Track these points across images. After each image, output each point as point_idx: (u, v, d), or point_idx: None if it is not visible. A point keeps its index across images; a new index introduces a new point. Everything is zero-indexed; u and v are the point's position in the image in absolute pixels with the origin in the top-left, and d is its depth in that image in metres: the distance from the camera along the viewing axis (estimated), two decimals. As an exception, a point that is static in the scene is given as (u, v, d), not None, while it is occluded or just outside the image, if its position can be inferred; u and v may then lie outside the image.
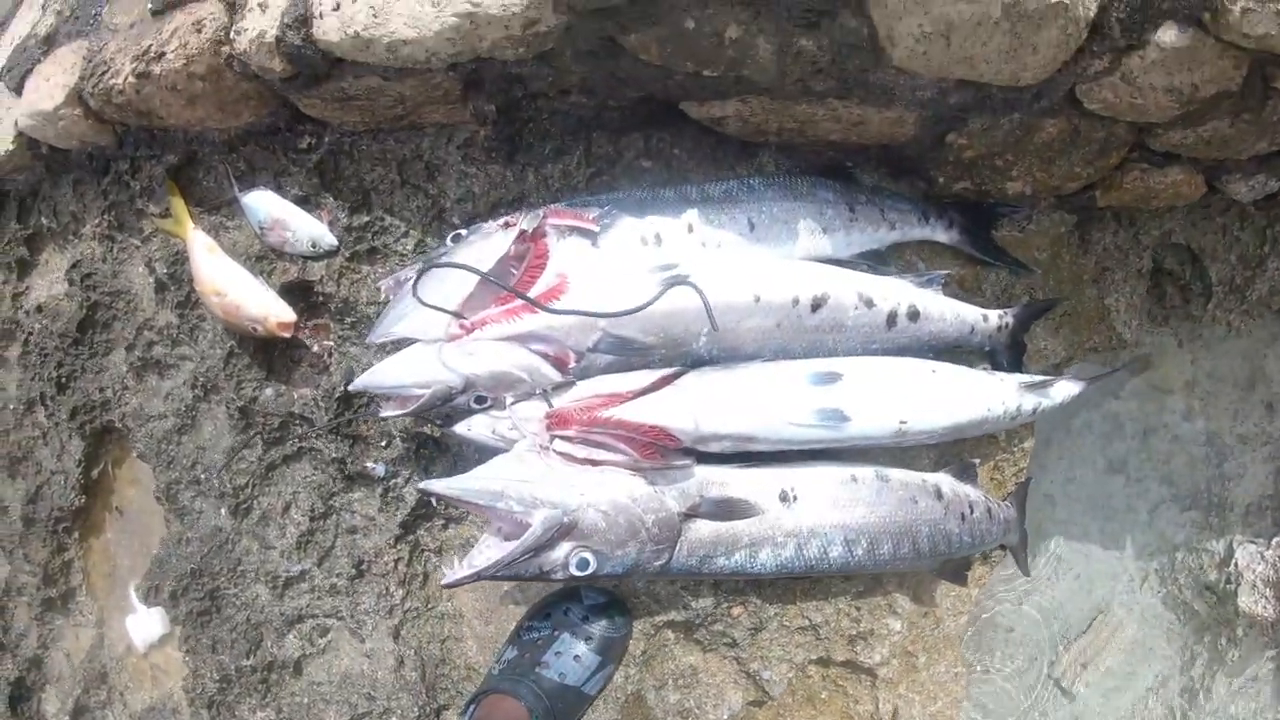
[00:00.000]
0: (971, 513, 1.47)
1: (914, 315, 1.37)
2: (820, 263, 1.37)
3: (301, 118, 1.51)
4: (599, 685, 1.46)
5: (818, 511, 1.31)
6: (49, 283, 1.92)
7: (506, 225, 1.27)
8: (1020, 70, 1.23)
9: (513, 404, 1.24)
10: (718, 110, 1.28)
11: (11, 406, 1.99)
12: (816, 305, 1.28)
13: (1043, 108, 1.34)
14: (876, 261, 1.42)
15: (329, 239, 1.48)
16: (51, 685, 2.06)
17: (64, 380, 1.86)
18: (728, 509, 1.24)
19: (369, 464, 1.51)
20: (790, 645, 1.54)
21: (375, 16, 1.21)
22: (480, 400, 1.26)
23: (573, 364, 1.27)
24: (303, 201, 1.51)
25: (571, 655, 1.39)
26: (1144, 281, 1.67)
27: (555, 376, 1.25)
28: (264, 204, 1.51)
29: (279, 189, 1.53)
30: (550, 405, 1.20)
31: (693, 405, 1.21)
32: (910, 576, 1.55)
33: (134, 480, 1.91)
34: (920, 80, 1.27)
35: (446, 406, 1.27)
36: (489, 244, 1.26)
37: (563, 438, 1.18)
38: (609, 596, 1.47)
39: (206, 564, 1.64)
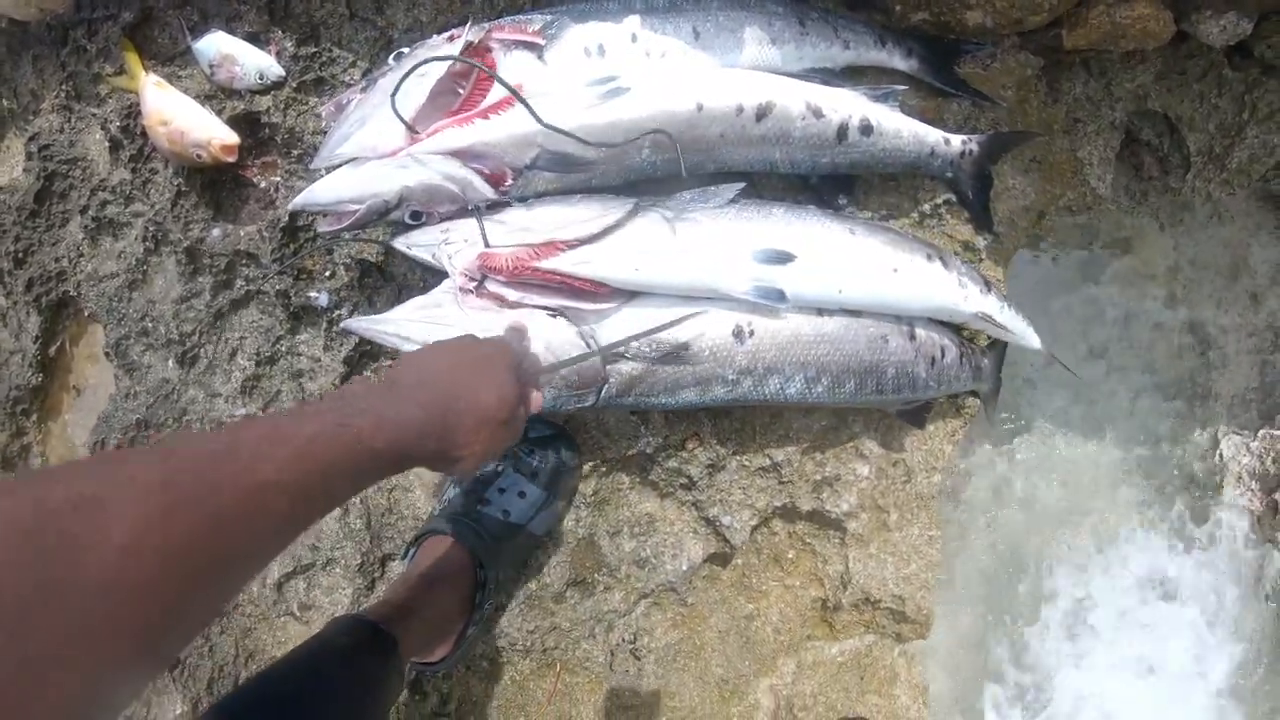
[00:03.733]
0: (943, 357, 1.44)
1: (866, 129, 1.36)
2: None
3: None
4: (546, 523, 1.42)
5: (777, 347, 1.28)
6: (9, 168, 1.94)
7: (451, 39, 1.26)
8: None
9: (447, 231, 1.22)
10: None
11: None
12: (761, 114, 1.26)
13: (1008, -76, 1.34)
14: (828, 79, 1.40)
15: (276, 69, 1.50)
16: None
17: (21, 255, 1.86)
18: (665, 354, 1.21)
19: (312, 294, 1.51)
20: (751, 489, 1.50)
21: None
22: (415, 216, 1.25)
23: (509, 181, 1.26)
24: (253, 39, 1.52)
25: (516, 491, 1.35)
26: (1118, 135, 1.64)
27: (488, 192, 1.24)
28: (213, 44, 1.52)
29: (230, 32, 1.55)
30: (486, 244, 1.19)
31: (634, 260, 1.19)
32: (877, 417, 1.52)
33: (91, 356, 1.91)
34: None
35: (381, 220, 1.27)
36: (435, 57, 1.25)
37: (494, 280, 1.19)
38: (555, 429, 1.44)
39: (152, 414, 1.63)
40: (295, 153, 1.53)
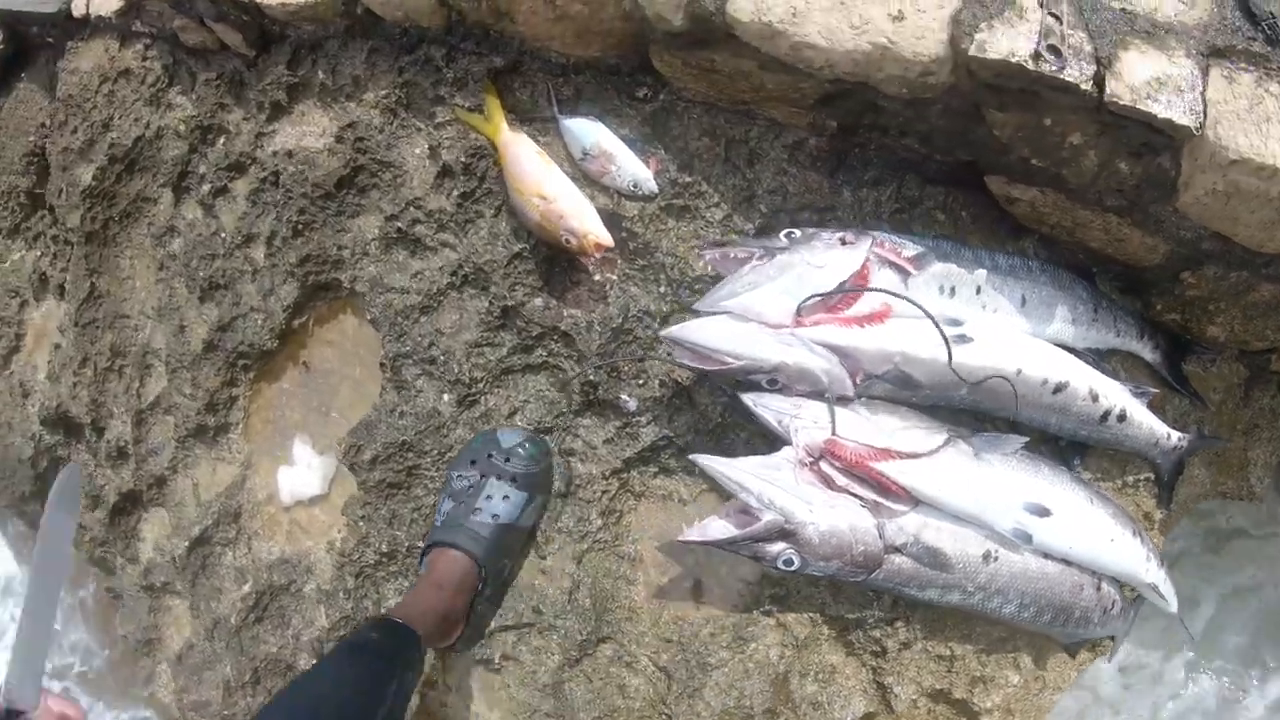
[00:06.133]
0: (1113, 608, 1.68)
1: (1122, 417, 1.57)
2: (1060, 347, 1.53)
3: (646, 68, 1.63)
4: (533, 517, 1.63)
5: (1011, 575, 1.51)
6: (300, 133, 1.97)
7: (843, 242, 1.38)
8: (1268, 241, 1.44)
9: (799, 408, 1.36)
10: (1019, 193, 1.42)
11: (224, 235, 2.03)
12: (1058, 389, 1.46)
13: (1268, 274, 1.56)
14: (1097, 359, 1.63)
15: (651, 185, 1.60)
16: (167, 510, 2.09)
17: (301, 227, 1.91)
18: (933, 558, 1.40)
19: (623, 396, 1.63)
20: (924, 670, 1.64)
21: (794, 16, 1.33)
22: (772, 383, 1.38)
23: (857, 382, 1.41)
24: (629, 144, 1.64)
25: (500, 496, 1.56)
26: (1287, 448, 1.86)
27: (849, 390, 1.38)
28: (594, 133, 1.61)
29: (599, 122, 1.65)
30: (833, 431, 1.34)
31: (940, 481, 1.39)
32: (1039, 638, 1.73)
33: (331, 342, 1.97)
34: (1188, 222, 1.46)
35: (744, 377, 1.38)
36: (827, 254, 1.37)
37: (830, 463, 1.35)
38: (525, 434, 1.62)
39: (419, 441, 1.73)
40: (640, 263, 1.65)
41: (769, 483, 1.32)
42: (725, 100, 1.61)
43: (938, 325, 1.33)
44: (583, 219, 1.54)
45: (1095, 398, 1.50)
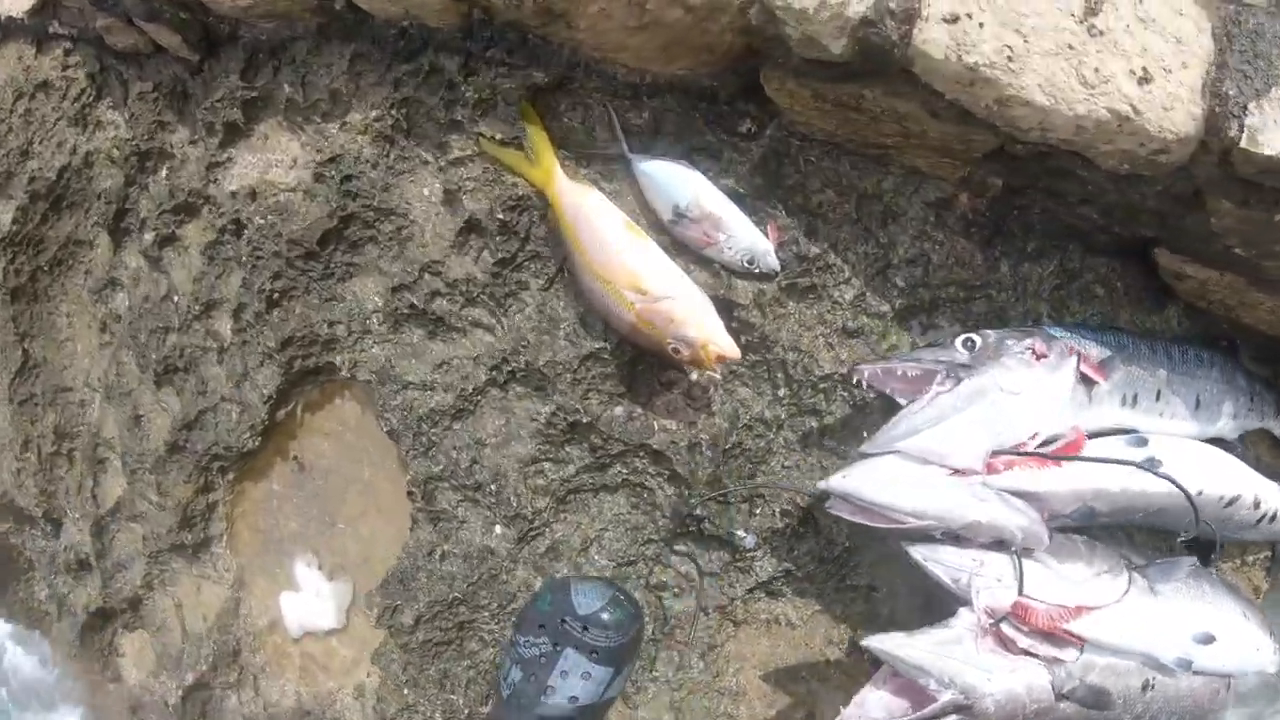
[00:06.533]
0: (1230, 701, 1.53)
1: (1273, 518, 1.44)
2: (1210, 442, 1.37)
3: (748, 93, 1.18)
4: (619, 688, 1.31)
5: (1165, 700, 1.39)
6: (263, 163, 1.49)
7: (1037, 355, 1.16)
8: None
9: (981, 564, 1.20)
10: (1193, 271, 1.23)
11: (177, 299, 1.57)
12: (1230, 503, 1.37)
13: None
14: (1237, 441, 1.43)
15: (772, 260, 1.18)
16: (149, 633, 1.70)
17: (276, 296, 1.46)
18: (1097, 698, 1.29)
19: (739, 532, 1.26)
20: None
21: (1010, 60, 0.98)
22: (949, 534, 1.18)
23: (1046, 519, 1.23)
24: (737, 201, 1.20)
25: (579, 674, 1.24)
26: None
27: (1044, 544, 1.21)
28: (690, 186, 1.17)
29: (694, 168, 1.21)
30: (1020, 590, 1.19)
31: (1123, 627, 1.29)
32: None
33: (328, 433, 1.56)
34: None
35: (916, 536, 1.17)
36: (1023, 377, 1.15)
37: (1015, 626, 1.21)
38: (606, 595, 1.26)
39: (471, 594, 1.34)
40: (752, 358, 1.23)
41: (949, 658, 1.19)
42: (855, 142, 1.20)
43: (1183, 490, 1.20)
44: (703, 325, 1.13)
45: (1257, 504, 1.43)
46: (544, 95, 1.28)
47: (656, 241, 1.21)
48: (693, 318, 1.12)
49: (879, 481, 1.13)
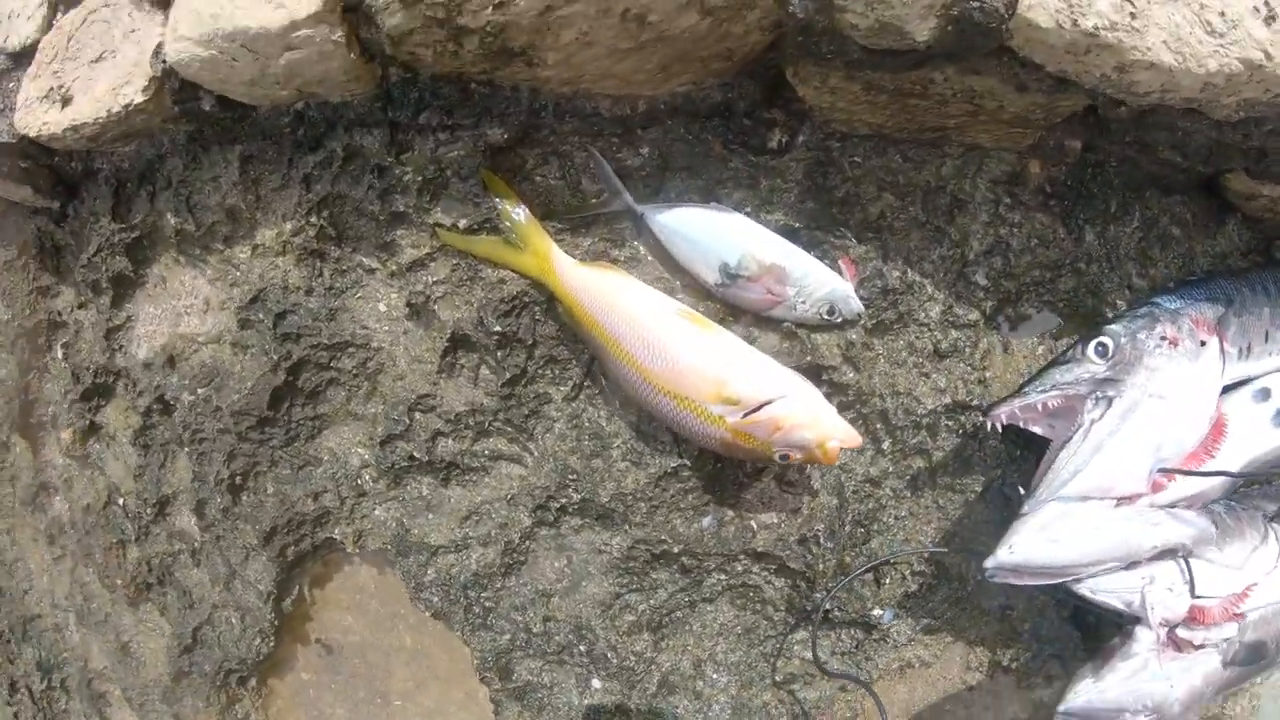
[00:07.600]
0: None
1: None
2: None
3: (772, 100, 0.88)
4: None
5: None
6: (170, 315, 1.18)
7: (1170, 342, 1.06)
8: None
9: (1149, 580, 1.14)
10: (1268, 190, 1.13)
11: (122, 503, 1.27)
12: None
13: None
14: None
15: (855, 304, 0.90)
16: None
17: (238, 480, 1.17)
18: (1257, 653, 1.28)
19: (875, 611, 1.04)
20: None
21: (1133, 17, 0.81)
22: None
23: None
24: (792, 239, 0.90)
25: None
26: None
27: (1214, 538, 1.15)
28: (738, 236, 0.89)
29: (730, 208, 0.91)
30: (1193, 592, 1.16)
31: (1277, 583, 1.24)
32: None
33: (347, 606, 1.28)
34: None
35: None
36: (1168, 375, 1.04)
37: (1189, 627, 1.18)
38: None
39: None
40: (847, 416, 0.95)
41: (1141, 683, 1.18)
42: (906, 130, 0.91)
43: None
44: (818, 422, 0.86)
45: None
46: (504, 156, 0.97)
47: (702, 310, 0.93)
48: (803, 417, 0.85)
49: (1045, 542, 1.04)
